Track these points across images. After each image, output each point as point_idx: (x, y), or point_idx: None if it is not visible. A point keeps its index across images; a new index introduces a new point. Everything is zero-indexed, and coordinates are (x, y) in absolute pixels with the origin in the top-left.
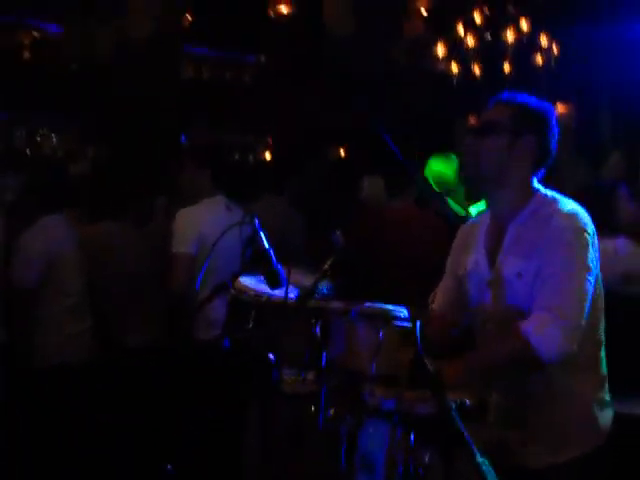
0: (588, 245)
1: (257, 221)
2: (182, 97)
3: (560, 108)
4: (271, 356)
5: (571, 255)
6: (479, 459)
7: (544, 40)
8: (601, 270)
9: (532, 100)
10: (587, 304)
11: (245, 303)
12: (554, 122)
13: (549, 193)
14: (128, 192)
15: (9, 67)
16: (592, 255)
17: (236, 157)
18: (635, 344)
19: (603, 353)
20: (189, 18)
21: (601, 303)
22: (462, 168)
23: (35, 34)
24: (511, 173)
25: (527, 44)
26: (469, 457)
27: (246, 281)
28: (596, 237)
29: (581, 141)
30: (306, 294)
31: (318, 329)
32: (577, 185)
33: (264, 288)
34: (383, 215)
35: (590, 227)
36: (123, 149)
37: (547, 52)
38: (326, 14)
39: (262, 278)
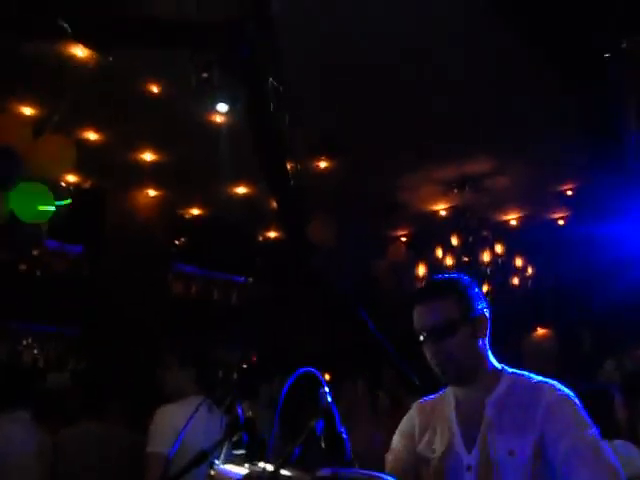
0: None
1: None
2: (170, 311)
3: (540, 332)
4: None
5: (585, 423)
6: None
7: (519, 262)
8: None
9: (454, 278)
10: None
11: None
12: (474, 283)
13: (510, 369)
14: (106, 397)
15: (3, 277)
16: None
17: (220, 374)
18: None
19: None
20: (182, 239)
21: None
22: (441, 375)
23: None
24: (480, 355)
25: (503, 266)
26: None
27: (224, 471)
28: None
29: (564, 358)
30: (285, 459)
31: None
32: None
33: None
34: None
35: None
36: (105, 359)
37: (522, 273)
38: (311, 237)
39: (242, 464)
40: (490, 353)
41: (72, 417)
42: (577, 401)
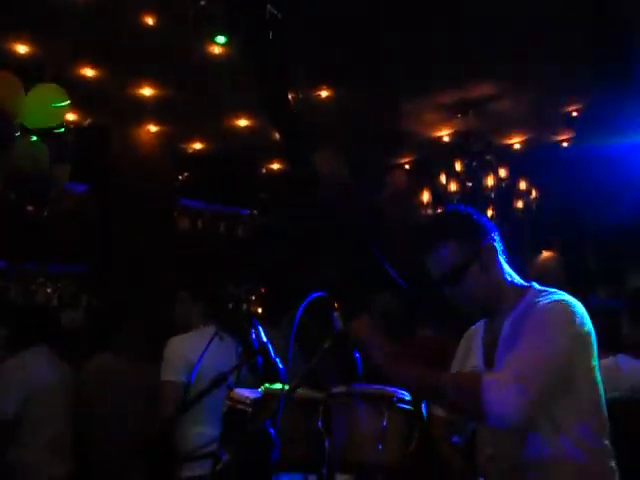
0: (569, 326)
1: (255, 321)
2: (177, 247)
3: (545, 254)
4: (272, 432)
5: (546, 331)
6: None
7: (523, 185)
8: (607, 386)
9: (450, 216)
10: (551, 381)
11: (241, 414)
12: (473, 213)
13: (542, 288)
14: (119, 332)
15: (11, 219)
16: (575, 338)
17: (229, 306)
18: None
19: (614, 464)
20: (185, 174)
21: (599, 406)
22: (466, 314)
23: None
24: (499, 283)
25: (507, 190)
26: None
27: (242, 392)
28: (587, 322)
29: (569, 280)
30: (301, 379)
31: (320, 421)
32: None
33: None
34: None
35: (579, 312)
36: (116, 296)
37: (527, 196)
38: (318, 169)
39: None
40: (511, 272)
41: (87, 353)
42: (567, 308)
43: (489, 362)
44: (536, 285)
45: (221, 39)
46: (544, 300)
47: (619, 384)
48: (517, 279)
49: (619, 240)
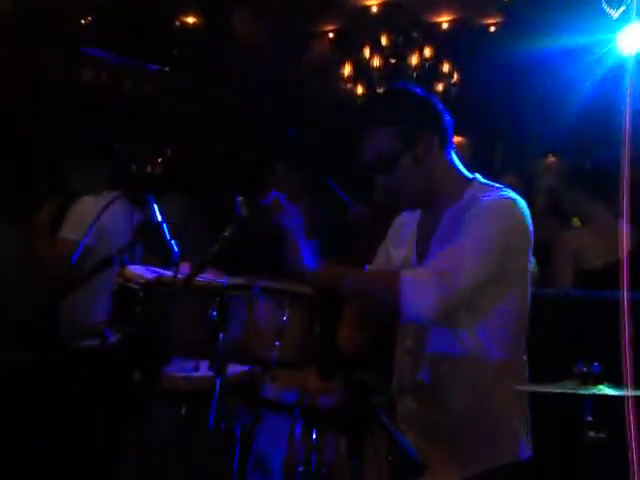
0: (509, 224)
1: (151, 200)
2: (79, 100)
3: (456, 138)
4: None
5: (485, 230)
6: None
7: (446, 67)
8: None
9: (388, 97)
10: (480, 283)
11: (132, 293)
12: (418, 96)
13: (488, 182)
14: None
15: None
16: (514, 237)
17: (133, 167)
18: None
19: (525, 357)
20: (89, 19)
21: (524, 306)
22: (405, 207)
23: None
24: (438, 176)
25: (430, 71)
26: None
27: (135, 269)
28: (529, 221)
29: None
30: (199, 267)
31: (215, 311)
32: None
33: (154, 274)
34: None
35: (522, 210)
36: (11, 151)
37: (448, 79)
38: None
39: (151, 268)
40: (457, 163)
41: None
42: (510, 205)
43: (421, 253)
44: (479, 177)
45: None
46: (489, 196)
47: None
48: (462, 170)
49: (527, 133)
